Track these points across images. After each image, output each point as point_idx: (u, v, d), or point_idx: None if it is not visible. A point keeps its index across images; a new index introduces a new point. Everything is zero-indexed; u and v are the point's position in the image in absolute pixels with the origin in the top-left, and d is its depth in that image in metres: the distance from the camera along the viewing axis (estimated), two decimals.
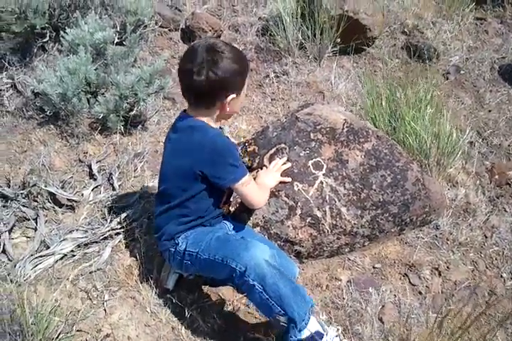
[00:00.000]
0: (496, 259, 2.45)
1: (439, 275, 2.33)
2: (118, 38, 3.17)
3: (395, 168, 2.33)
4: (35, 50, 3.13)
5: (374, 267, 2.34)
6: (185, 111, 1.98)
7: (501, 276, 2.38)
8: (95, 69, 2.83)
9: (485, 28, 4.04)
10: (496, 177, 2.83)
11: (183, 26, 3.66)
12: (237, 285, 1.92)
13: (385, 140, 2.40)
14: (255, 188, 2.02)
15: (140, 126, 2.93)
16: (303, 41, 3.53)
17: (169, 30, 3.63)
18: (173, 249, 1.98)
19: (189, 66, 1.80)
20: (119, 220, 2.36)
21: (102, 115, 2.74)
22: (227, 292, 2.18)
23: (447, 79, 3.55)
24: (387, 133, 2.76)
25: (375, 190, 2.29)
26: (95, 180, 2.57)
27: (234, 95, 1.86)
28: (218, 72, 1.79)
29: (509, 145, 3.09)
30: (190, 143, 1.88)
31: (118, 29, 3.22)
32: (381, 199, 2.29)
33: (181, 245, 1.96)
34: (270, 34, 3.62)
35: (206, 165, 1.86)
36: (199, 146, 1.85)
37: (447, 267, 2.37)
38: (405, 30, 3.82)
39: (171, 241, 1.99)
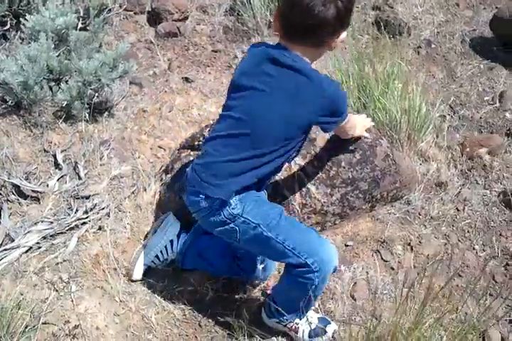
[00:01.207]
0: (468, 232, 2.45)
1: (411, 250, 2.33)
2: (82, 23, 3.09)
3: (364, 143, 2.31)
4: None
5: (346, 245, 2.33)
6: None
7: (473, 248, 2.38)
8: (57, 56, 2.75)
9: (456, 1, 3.99)
10: (467, 150, 2.82)
11: (149, 9, 3.58)
12: (292, 270, 1.82)
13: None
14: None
15: (106, 112, 2.87)
16: (271, 19, 3.47)
17: (134, 13, 3.55)
18: (218, 210, 1.76)
19: None
20: (85, 209, 2.32)
21: (65, 103, 2.68)
22: (197, 278, 2.16)
23: (418, 53, 3.52)
24: (357, 110, 2.73)
25: (344, 167, 2.26)
26: (60, 169, 2.51)
27: (345, 33, 1.71)
28: (346, 1, 1.62)
29: (480, 118, 3.08)
30: (306, 87, 1.67)
31: (81, 14, 3.14)
32: (350, 176, 2.27)
33: (234, 208, 1.76)
34: (238, 14, 3.56)
35: (325, 112, 1.72)
36: (318, 93, 1.68)
37: (419, 242, 2.36)
38: (376, 5, 3.77)
39: (218, 200, 1.75)
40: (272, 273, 2.19)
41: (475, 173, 2.75)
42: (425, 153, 2.77)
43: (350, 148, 2.26)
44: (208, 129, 2.41)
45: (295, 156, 1.99)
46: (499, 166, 2.77)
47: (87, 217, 2.28)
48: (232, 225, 1.77)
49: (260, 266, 2.10)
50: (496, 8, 3.75)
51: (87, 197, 2.39)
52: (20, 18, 2.94)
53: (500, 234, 2.45)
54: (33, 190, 2.38)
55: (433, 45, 3.57)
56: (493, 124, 3.04)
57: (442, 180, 2.66)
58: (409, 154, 2.70)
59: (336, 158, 2.26)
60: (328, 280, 1.88)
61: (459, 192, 2.62)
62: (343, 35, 1.70)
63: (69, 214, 2.30)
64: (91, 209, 2.31)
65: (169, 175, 2.41)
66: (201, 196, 1.76)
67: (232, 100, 1.77)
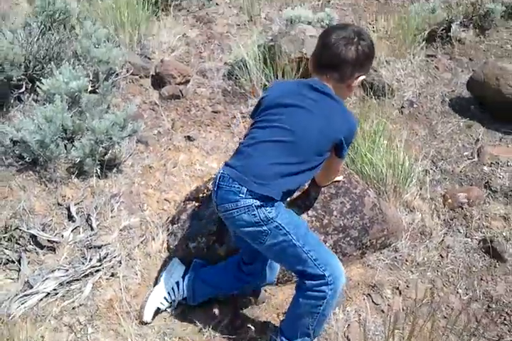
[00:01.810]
0: (451, 277, 2.64)
1: (400, 294, 2.52)
2: (91, 86, 3.37)
3: (353, 194, 2.54)
4: (12, 101, 3.30)
5: None
6: None
7: (457, 292, 2.57)
8: (71, 117, 3.01)
9: (435, 64, 4.34)
10: (449, 200, 3.05)
11: (153, 73, 3.88)
12: (304, 283, 2.00)
13: (343, 170, 2.61)
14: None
15: (115, 168, 3.10)
16: (266, 83, 3.76)
17: (140, 77, 3.85)
18: (254, 211, 1.93)
19: (340, 37, 2.00)
20: (98, 258, 2.51)
21: (78, 159, 2.91)
22: (204, 319, 2.32)
23: (402, 113, 3.81)
24: (346, 164, 2.97)
25: (335, 216, 2.48)
26: (74, 221, 2.72)
27: (364, 76, 2.10)
28: (365, 47, 2.01)
29: (461, 172, 3.32)
30: (336, 110, 2.04)
31: (91, 78, 3.42)
32: (342, 224, 2.49)
33: (271, 212, 1.94)
34: (236, 77, 3.86)
35: (347, 135, 2.06)
36: (345, 116, 2.06)
37: (407, 286, 2.55)
38: None
39: (259, 201, 1.93)
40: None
41: (457, 222, 2.97)
42: (410, 204, 3.00)
43: (332, 192, 2.52)
44: (210, 182, 2.63)
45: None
46: (479, 216, 3.00)
47: (100, 265, 2.47)
48: (265, 228, 1.95)
49: (267, 268, 2.31)
50: (473, 70, 4.08)
51: (100, 247, 2.58)
52: (35, 82, 3.23)
53: (482, 279, 2.65)
54: (49, 240, 2.57)
55: (415, 105, 3.87)
56: (473, 177, 3.29)
57: (426, 228, 2.88)
58: (396, 205, 2.93)
59: (328, 207, 2.48)
60: (336, 303, 2.06)
61: (443, 239, 2.84)
62: (361, 78, 2.08)
63: (83, 263, 2.49)
64: (104, 258, 2.49)
65: (176, 225, 2.61)
66: (242, 195, 1.93)
67: (271, 115, 2.04)
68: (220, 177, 2.02)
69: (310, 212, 2.47)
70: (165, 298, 2.33)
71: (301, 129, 1.98)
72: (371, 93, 3.84)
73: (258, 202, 1.93)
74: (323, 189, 2.51)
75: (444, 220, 2.98)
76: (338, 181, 2.53)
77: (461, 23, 4.64)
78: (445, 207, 3.05)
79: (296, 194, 2.46)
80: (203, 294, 2.37)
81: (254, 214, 1.94)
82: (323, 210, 2.48)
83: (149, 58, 4.04)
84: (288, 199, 2.25)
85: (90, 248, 2.58)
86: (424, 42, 4.41)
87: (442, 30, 4.55)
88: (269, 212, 1.94)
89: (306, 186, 2.49)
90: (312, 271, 1.97)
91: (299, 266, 2.00)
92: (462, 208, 3.03)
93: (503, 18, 4.85)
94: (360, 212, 2.52)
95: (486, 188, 3.20)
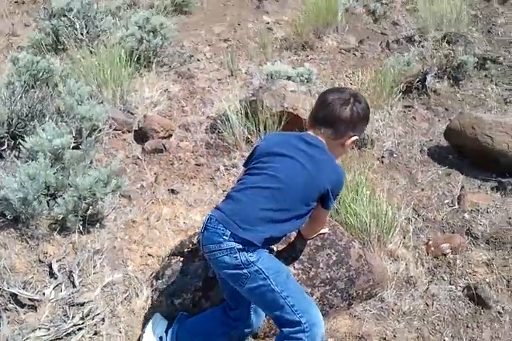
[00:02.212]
0: (437, 325, 2.63)
1: None
2: (74, 143, 3.38)
3: (339, 246, 2.54)
4: None
5: None
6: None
7: (444, 340, 2.55)
8: (54, 173, 3.01)
9: (413, 115, 4.46)
10: (432, 249, 3.06)
11: (136, 128, 3.93)
12: (281, 331, 2.00)
13: (327, 222, 2.62)
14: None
15: (98, 224, 3.07)
16: (249, 136, 3.81)
17: (122, 132, 3.89)
18: (236, 254, 1.97)
19: (337, 97, 2.15)
20: (81, 316, 2.45)
21: (61, 216, 2.89)
22: None
23: (382, 162, 3.87)
24: (330, 215, 2.98)
25: (322, 268, 2.48)
26: (56, 278, 2.67)
27: (357, 138, 2.19)
28: (360, 109, 2.14)
29: (442, 219, 3.36)
30: (325, 162, 2.11)
31: (74, 134, 3.44)
32: (328, 277, 2.48)
33: (252, 256, 1.98)
34: (218, 131, 3.92)
35: (335, 185, 2.12)
36: (333, 168, 2.13)
37: (394, 335, 2.53)
38: None
39: (241, 245, 1.98)
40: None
41: (441, 270, 2.98)
42: (394, 252, 3.01)
43: (318, 244, 2.52)
44: (195, 236, 2.63)
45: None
46: (462, 263, 3.01)
47: (82, 323, 2.41)
48: (245, 271, 1.98)
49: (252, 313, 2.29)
50: (449, 120, 4.19)
51: (82, 304, 2.53)
52: (18, 139, 3.24)
53: (467, 326, 2.64)
54: (29, 299, 2.52)
55: (395, 155, 3.94)
56: (454, 225, 3.32)
57: (411, 277, 2.88)
58: (380, 254, 2.94)
59: (314, 259, 2.48)
60: None
61: (427, 288, 2.84)
62: (354, 138, 2.18)
63: (65, 321, 2.43)
64: (86, 316, 2.44)
65: (160, 281, 2.58)
66: (225, 237, 1.98)
67: (262, 163, 2.12)
68: (207, 219, 2.09)
69: (296, 265, 2.47)
70: None
71: (289, 178, 2.05)
72: None
73: (240, 246, 1.98)
74: (308, 241, 2.52)
75: (428, 268, 2.99)
76: (324, 233, 2.55)
77: (435, 74, 4.79)
78: (429, 255, 3.06)
79: (282, 246, 2.47)
80: None
81: (235, 257, 1.98)
82: (310, 262, 2.48)
83: (132, 113, 4.09)
84: (273, 246, 2.27)
85: (72, 305, 2.52)
86: (400, 94, 4.54)
87: (418, 81, 4.69)
88: (250, 256, 1.99)
89: (292, 239, 2.50)
90: (289, 317, 1.97)
91: (276, 312, 2.01)
92: (445, 256, 3.04)
93: (476, 68, 5.03)
94: (346, 264, 2.52)
95: (467, 235, 3.23)
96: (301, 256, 2.48)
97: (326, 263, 2.49)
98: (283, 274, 2.06)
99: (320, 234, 2.52)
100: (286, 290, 2.00)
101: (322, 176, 2.07)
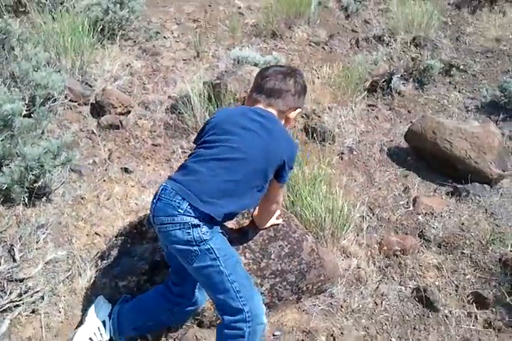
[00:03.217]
0: (385, 324, 2.62)
1: (334, 340, 2.45)
2: (26, 110, 3.21)
3: (292, 238, 2.49)
4: None
5: (274, 335, 2.43)
6: None
7: (390, 340, 2.54)
8: (1, 140, 2.85)
9: (376, 114, 4.45)
10: (385, 248, 3.05)
11: (93, 101, 3.76)
12: (222, 319, 1.97)
13: (282, 213, 2.57)
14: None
15: (45, 197, 2.93)
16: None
17: (78, 104, 3.72)
18: (189, 229, 1.90)
19: (279, 71, 2.22)
20: (19, 292, 2.32)
21: (5, 186, 2.73)
22: None
23: (342, 159, 3.84)
24: (286, 207, 2.93)
25: (273, 260, 2.42)
26: None
27: (300, 110, 2.26)
28: (302, 81, 2.23)
29: (396, 220, 3.36)
30: (279, 131, 2.10)
31: (26, 101, 3.27)
32: (279, 268, 2.42)
33: (205, 234, 1.92)
34: (179, 112, 3.80)
35: (289, 157, 2.09)
36: (287, 138, 2.13)
37: (341, 333, 2.50)
38: (304, 114, 4.13)
39: (197, 219, 1.91)
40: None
41: (391, 270, 2.98)
42: (347, 249, 2.99)
43: (271, 234, 2.46)
44: (145, 218, 2.52)
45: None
46: (412, 264, 3.02)
47: (20, 300, 2.29)
48: (195, 248, 1.91)
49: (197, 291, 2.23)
50: (411, 122, 4.20)
51: (22, 280, 2.40)
52: None
53: (415, 328, 2.64)
54: None
55: (355, 152, 3.92)
56: (408, 226, 3.32)
57: (362, 275, 2.86)
58: (333, 250, 2.90)
59: (266, 250, 2.41)
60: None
61: (377, 287, 2.82)
62: (298, 110, 2.24)
63: (1, 297, 2.29)
64: (25, 292, 2.31)
65: (105, 261, 2.47)
66: (180, 210, 1.90)
67: (218, 135, 2.05)
68: (162, 189, 1.99)
69: (248, 255, 2.40)
70: (90, 338, 2.16)
71: (249, 148, 2.01)
72: (312, 138, 3.87)
73: (196, 221, 1.91)
74: (262, 231, 2.45)
75: (379, 267, 2.98)
76: (278, 224, 2.49)
77: (401, 76, 4.79)
78: (380, 254, 3.05)
79: (235, 235, 2.39)
80: (130, 325, 2.24)
81: (188, 232, 1.91)
82: (261, 253, 2.42)
83: (90, 86, 3.91)
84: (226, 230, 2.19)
85: (11, 281, 2.39)
86: (365, 92, 4.53)
87: (383, 81, 4.68)
88: (203, 233, 1.92)
89: (245, 227, 2.44)
90: (232, 303, 1.93)
91: (220, 295, 1.96)
92: (397, 256, 3.04)
93: (441, 74, 5.06)
94: (298, 257, 2.47)
95: (420, 237, 3.24)
96: (253, 246, 2.41)
97: (278, 254, 2.43)
98: (233, 258, 2.01)
99: (274, 224, 2.46)
100: (235, 274, 1.96)
101: (279, 145, 2.06)
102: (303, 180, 3.06)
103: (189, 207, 1.90)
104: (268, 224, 2.44)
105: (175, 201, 1.92)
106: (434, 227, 3.30)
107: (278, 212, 2.49)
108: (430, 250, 3.16)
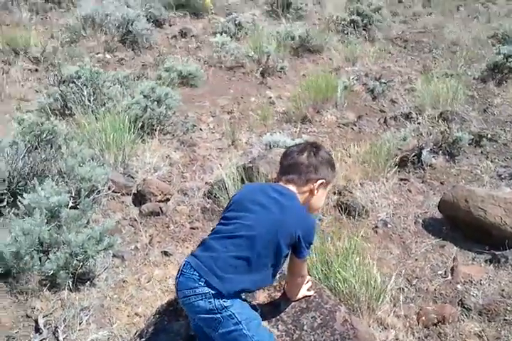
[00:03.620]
0: None
1: None
2: (72, 202, 3.46)
3: (324, 309, 2.52)
4: None
5: None
6: None
7: None
8: (49, 230, 3.06)
9: (408, 188, 4.53)
10: (423, 318, 3.03)
11: (135, 191, 4.01)
12: None
13: (314, 284, 2.62)
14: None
15: (88, 282, 3.09)
16: None
17: (121, 194, 3.97)
18: (210, 298, 1.99)
19: (295, 148, 2.32)
20: None
21: (52, 272, 2.91)
22: None
23: (376, 232, 3.90)
24: (319, 280, 2.98)
25: (306, 331, 2.45)
26: (40, 333, 2.65)
27: (323, 181, 2.27)
28: (316, 153, 2.28)
29: (435, 290, 3.34)
30: (293, 208, 2.17)
31: (73, 194, 3.52)
32: (312, 340, 2.44)
33: (226, 302, 2.00)
34: (215, 196, 3.99)
35: (305, 231, 2.14)
36: (302, 214, 2.17)
37: None
38: (337, 190, 4.25)
39: (216, 290, 2.00)
40: None
41: (431, 340, 2.93)
42: (384, 321, 2.97)
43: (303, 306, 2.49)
44: None
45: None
46: (453, 333, 2.96)
47: None
48: (218, 315, 1.99)
49: None
50: (444, 193, 4.25)
51: None
52: (17, 196, 3.30)
53: None
54: None
55: (389, 225, 3.97)
56: (447, 295, 3.29)
57: None
58: (369, 322, 2.90)
59: (299, 321, 2.45)
60: None
61: None
62: (320, 181, 2.26)
63: None
64: None
65: (143, 339, 2.55)
66: (201, 283, 2.01)
67: (235, 212, 2.16)
68: (183, 265, 2.12)
69: (280, 327, 2.44)
70: None
71: (259, 225, 2.09)
72: (346, 213, 3.96)
73: (215, 291, 2.01)
74: (293, 303, 2.50)
75: (419, 338, 2.94)
76: (309, 296, 2.54)
77: (431, 149, 4.92)
78: (419, 325, 3.02)
79: (267, 308, 2.45)
80: None
81: (210, 302, 2.00)
82: (294, 324, 2.45)
83: (132, 177, 4.19)
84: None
85: None
86: (396, 167, 4.64)
87: (413, 156, 4.81)
88: (224, 301, 2.01)
89: (277, 299, 2.50)
90: None
91: None
92: (436, 326, 3.00)
93: (471, 145, 5.16)
94: (331, 327, 2.49)
95: (460, 306, 3.19)
96: (285, 318, 2.45)
97: (311, 325, 2.46)
98: (255, 321, 2.09)
99: (305, 296, 2.51)
100: (258, 335, 2.04)
101: (291, 221, 2.12)
102: (335, 254, 3.12)
103: (206, 282, 2.02)
104: (300, 296, 2.50)
105: (194, 275, 2.04)
106: (473, 295, 3.26)
107: (309, 284, 2.55)
108: (471, 318, 3.11)
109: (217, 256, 2.05)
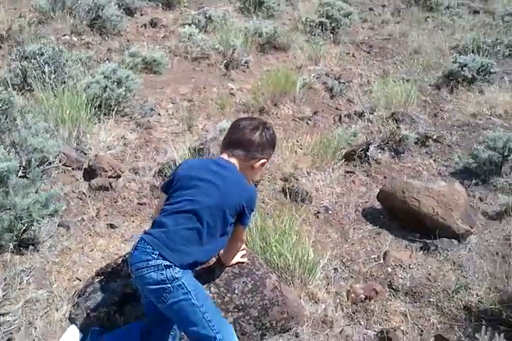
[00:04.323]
0: None
1: None
2: (22, 172, 3.52)
3: (255, 275, 2.67)
4: None
5: None
6: None
7: None
8: None
9: (353, 179, 4.71)
10: (352, 295, 3.20)
11: (86, 166, 4.08)
12: None
13: (248, 252, 2.77)
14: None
15: (32, 247, 3.16)
16: None
17: (72, 168, 4.04)
18: (163, 270, 2.12)
19: (248, 123, 2.43)
20: None
21: None
22: None
23: (317, 217, 4.06)
24: (256, 253, 3.12)
25: (237, 294, 2.59)
26: None
27: (265, 161, 2.45)
28: (268, 134, 2.43)
29: (367, 272, 3.51)
30: (235, 179, 2.33)
31: (23, 164, 3.58)
32: (242, 303, 2.58)
33: (177, 273, 2.14)
34: (165, 175, 4.10)
35: (248, 201, 2.32)
36: (244, 186, 2.34)
37: None
38: (284, 177, 4.41)
39: (168, 261, 2.13)
40: None
41: (358, 315, 3.10)
42: (315, 295, 3.13)
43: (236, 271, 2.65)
44: (120, 259, 2.73)
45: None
46: (379, 310, 3.14)
47: None
48: (168, 285, 2.12)
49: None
50: (383, 185, 4.44)
51: (2, 315, 2.57)
52: None
53: None
54: None
55: (330, 212, 4.14)
56: (377, 277, 3.47)
57: (328, 318, 2.99)
58: (300, 295, 3.05)
59: (230, 285, 2.59)
60: None
61: (342, 329, 2.94)
62: (262, 161, 2.43)
63: None
64: (1, 325, 2.48)
65: (81, 298, 2.65)
66: (154, 255, 2.14)
67: (181, 190, 2.31)
68: (138, 241, 2.25)
69: (213, 289, 2.58)
70: None
71: (206, 198, 2.25)
72: (290, 198, 4.11)
73: (167, 262, 2.15)
74: (227, 268, 2.64)
75: (347, 313, 3.10)
76: (243, 262, 2.68)
77: (378, 145, 5.12)
78: (349, 301, 3.18)
79: (201, 271, 2.58)
80: None
81: (162, 273, 2.14)
82: (226, 288, 2.59)
83: (85, 153, 4.26)
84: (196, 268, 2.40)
85: None
86: (343, 160, 4.83)
87: (361, 150, 5.00)
88: (175, 273, 2.15)
89: (212, 264, 2.63)
90: (205, 332, 2.12)
91: (193, 327, 2.14)
92: (364, 302, 3.17)
93: (418, 145, 5.38)
94: (260, 293, 2.64)
95: (388, 287, 3.38)
96: (218, 281, 2.59)
97: (242, 290, 2.60)
98: (203, 291, 2.25)
99: (239, 262, 2.65)
100: (205, 305, 2.17)
101: (235, 193, 2.30)
102: (274, 231, 3.26)
103: (160, 255, 2.16)
104: (233, 262, 2.64)
105: (148, 248, 2.18)
106: (402, 278, 3.45)
107: (244, 252, 2.70)
108: (398, 298, 3.29)
109: (168, 230, 2.20)
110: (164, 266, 2.13)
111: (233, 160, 2.40)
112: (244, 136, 2.39)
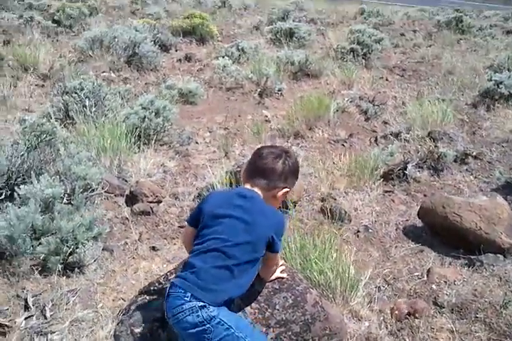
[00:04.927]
0: None
1: None
2: (67, 199, 3.65)
3: (296, 291, 2.67)
4: None
5: None
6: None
7: None
8: (42, 218, 3.23)
9: (392, 198, 4.69)
10: (396, 312, 3.15)
11: (128, 193, 4.19)
12: None
13: (287, 268, 2.78)
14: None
15: (77, 269, 3.24)
16: None
17: (115, 195, 4.15)
18: (198, 312, 2.11)
19: (270, 151, 2.42)
20: None
21: (43, 256, 3.07)
22: None
23: (358, 236, 4.05)
24: (297, 270, 3.12)
25: (278, 310, 2.59)
26: (29, 310, 2.80)
27: (288, 190, 2.44)
28: (291, 163, 2.42)
29: (410, 289, 3.46)
30: (261, 210, 2.32)
31: (67, 191, 3.71)
32: (284, 318, 2.58)
33: (212, 311, 2.12)
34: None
35: (277, 230, 2.33)
36: (270, 213, 2.34)
37: None
38: (321, 197, 4.43)
39: (201, 302, 2.12)
40: None
41: (403, 333, 3.04)
42: (358, 313, 3.10)
43: (276, 287, 2.64)
44: (162, 277, 2.78)
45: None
46: (425, 328, 3.08)
47: None
48: (208, 326, 2.11)
49: None
50: (423, 201, 4.40)
51: (50, 333, 2.64)
52: (15, 190, 3.48)
53: None
54: (0, 325, 2.63)
55: (370, 230, 4.12)
56: (422, 294, 3.42)
57: (373, 335, 2.95)
58: (343, 312, 3.03)
59: (271, 301, 2.60)
60: None
61: None
62: (285, 190, 2.42)
63: None
64: None
65: (124, 316, 2.69)
66: (186, 298, 2.14)
67: (208, 228, 2.30)
68: (170, 287, 2.26)
69: (253, 305, 2.58)
70: None
71: (232, 236, 2.25)
72: (329, 218, 4.11)
73: (201, 303, 2.14)
74: (267, 284, 2.65)
75: (391, 330, 3.06)
76: (282, 278, 2.69)
77: (416, 164, 5.10)
78: (393, 319, 3.14)
79: None
80: None
81: (197, 315, 2.12)
82: (266, 303, 2.60)
83: (126, 180, 4.38)
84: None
85: (40, 334, 2.63)
86: (381, 180, 4.82)
87: (399, 170, 4.98)
88: (211, 312, 2.14)
89: None
90: None
91: None
92: (408, 319, 3.12)
93: (457, 162, 5.34)
94: (302, 308, 2.63)
95: (433, 304, 3.32)
96: (258, 297, 2.60)
97: (282, 305, 2.60)
98: (243, 321, 2.25)
99: (279, 277, 2.66)
100: (250, 335, 2.18)
101: (263, 226, 2.29)
102: (314, 248, 3.26)
103: (192, 296, 2.16)
104: (273, 277, 2.65)
105: (180, 292, 2.18)
106: (447, 294, 3.38)
107: (283, 267, 2.71)
108: (443, 315, 3.22)
109: (198, 270, 2.21)
110: (198, 307, 2.12)
111: (256, 190, 2.40)
112: (266, 164, 2.38)
